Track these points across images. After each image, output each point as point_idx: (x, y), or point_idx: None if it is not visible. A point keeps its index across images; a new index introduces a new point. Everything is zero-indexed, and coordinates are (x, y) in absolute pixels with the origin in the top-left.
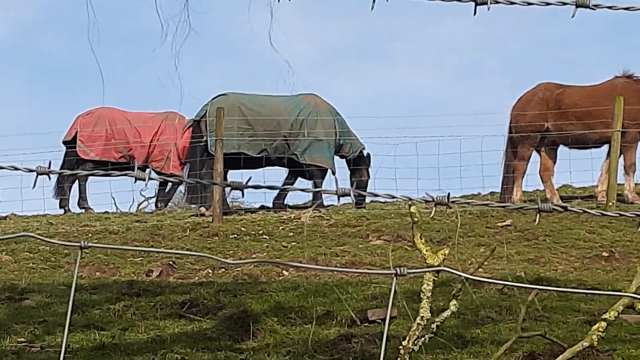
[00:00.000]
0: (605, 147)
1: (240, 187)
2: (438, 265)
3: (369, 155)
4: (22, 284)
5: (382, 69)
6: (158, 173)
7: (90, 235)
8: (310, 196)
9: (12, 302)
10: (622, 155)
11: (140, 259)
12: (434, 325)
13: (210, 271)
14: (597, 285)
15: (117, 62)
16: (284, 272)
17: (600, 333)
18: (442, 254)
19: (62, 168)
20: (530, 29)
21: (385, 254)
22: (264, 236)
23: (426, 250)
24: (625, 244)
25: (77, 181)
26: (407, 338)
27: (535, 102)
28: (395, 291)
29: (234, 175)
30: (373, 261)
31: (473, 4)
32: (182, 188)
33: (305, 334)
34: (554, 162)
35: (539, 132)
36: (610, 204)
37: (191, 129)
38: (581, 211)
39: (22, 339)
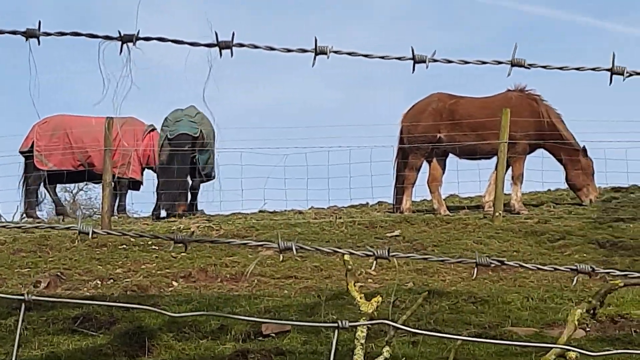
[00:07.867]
0: (494, 159)
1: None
2: (372, 313)
3: None
4: None
5: (273, 76)
6: (119, 178)
7: None
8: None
9: None
10: (510, 166)
11: (27, 269)
12: None
13: (99, 282)
14: (487, 297)
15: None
16: (174, 282)
17: None
18: (375, 302)
19: (23, 178)
20: (425, 37)
21: (275, 265)
22: (153, 247)
23: (360, 298)
24: (511, 254)
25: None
26: None
27: (429, 113)
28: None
29: None
30: (263, 272)
31: (411, 62)
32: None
33: (200, 350)
34: (443, 173)
35: (432, 143)
36: (497, 214)
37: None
38: (535, 269)
39: None
